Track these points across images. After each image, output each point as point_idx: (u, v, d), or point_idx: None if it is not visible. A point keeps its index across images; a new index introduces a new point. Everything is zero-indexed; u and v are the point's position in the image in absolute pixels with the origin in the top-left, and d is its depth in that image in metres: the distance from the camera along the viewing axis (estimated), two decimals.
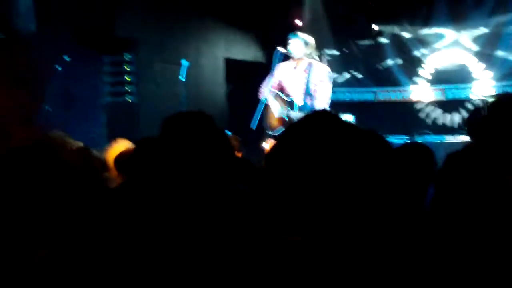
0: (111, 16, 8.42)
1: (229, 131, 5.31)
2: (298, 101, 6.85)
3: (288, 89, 6.97)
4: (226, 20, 10.36)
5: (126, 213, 2.02)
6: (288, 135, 1.60)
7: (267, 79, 7.13)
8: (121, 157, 4.10)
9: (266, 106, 6.94)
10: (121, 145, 4.46)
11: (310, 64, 6.91)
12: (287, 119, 6.81)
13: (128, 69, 8.61)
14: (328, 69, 7.08)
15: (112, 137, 5.85)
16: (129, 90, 8.59)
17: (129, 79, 8.62)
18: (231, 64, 10.56)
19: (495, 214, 1.99)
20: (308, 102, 6.80)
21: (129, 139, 4.73)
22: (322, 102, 6.72)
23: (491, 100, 3.29)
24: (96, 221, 2.00)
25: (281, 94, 7.02)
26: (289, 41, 6.94)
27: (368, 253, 1.54)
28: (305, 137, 1.56)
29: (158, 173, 1.91)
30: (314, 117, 1.62)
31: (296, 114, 6.71)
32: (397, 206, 1.86)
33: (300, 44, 6.90)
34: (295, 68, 6.97)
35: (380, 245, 1.60)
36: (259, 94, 7.09)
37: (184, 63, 7.18)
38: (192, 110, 2.20)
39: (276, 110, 6.96)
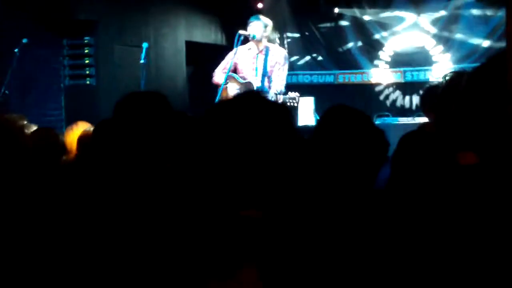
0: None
1: (190, 113, 5.32)
2: (256, 82, 6.91)
3: (244, 71, 7.04)
4: (187, 3, 10.31)
5: (79, 192, 2.04)
6: (216, 113, 1.64)
7: (221, 63, 7.19)
8: (83, 139, 4.10)
9: (223, 89, 6.93)
10: (81, 128, 4.46)
11: (267, 47, 7.01)
12: None
13: (88, 52, 8.53)
14: (285, 52, 7.20)
15: (71, 120, 5.82)
16: (89, 73, 8.51)
17: (89, 62, 8.54)
18: (192, 47, 10.52)
19: (445, 193, 2.03)
20: (266, 84, 6.89)
21: (89, 122, 4.73)
22: (279, 83, 6.83)
23: (444, 78, 3.34)
24: (49, 203, 2.01)
25: (236, 76, 7.07)
26: (250, 24, 7.00)
27: (320, 228, 1.58)
28: (232, 116, 1.60)
29: (111, 154, 1.92)
30: (243, 97, 1.66)
31: None
32: (347, 184, 1.91)
33: (260, 26, 6.96)
34: (250, 49, 7.05)
35: (332, 220, 1.64)
36: (213, 78, 7.17)
37: (145, 45, 7.15)
38: (145, 91, 2.21)
39: (232, 92, 6.97)
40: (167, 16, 10.03)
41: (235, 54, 6.95)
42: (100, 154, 2.06)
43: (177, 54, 10.27)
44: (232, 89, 7.00)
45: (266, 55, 6.92)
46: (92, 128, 4.20)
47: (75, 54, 8.57)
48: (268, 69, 6.89)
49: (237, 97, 1.68)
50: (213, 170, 1.57)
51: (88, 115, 6.55)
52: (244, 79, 7.00)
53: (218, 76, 7.10)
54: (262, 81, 6.91)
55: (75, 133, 4.41)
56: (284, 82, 6.92)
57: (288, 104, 6.42)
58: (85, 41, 8.53)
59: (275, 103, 1.71)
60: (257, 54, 7.01)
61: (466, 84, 1.91)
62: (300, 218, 1.57)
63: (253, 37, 6.91)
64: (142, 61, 7.10)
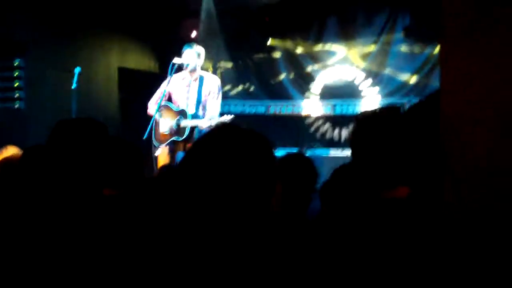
0: (1, 19, 8.18)
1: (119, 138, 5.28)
2: (190, 109, 6.95)
3: (179, 100, 7.07)
4: (121, 29, 10.25)
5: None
6: (199, 144, 1.68)
7: (155, 94, 7.21)
8: (8, 163, 4.00)
9: (155, 120, 6.99)
10: (9, 151, 4.36)
11: (201, 76, 7.06)
12: (175, 128, 6.91)
13: (18, 74, 8.38)
14: (219, 81, 7.20)
15: None
16: (18, 96, 8.36)
17: (18, 85, 8.39)
18: (125, 73, 10.47)
19: (370, 227, 2.08)
20: (200, 112, 6.95)
21: (17, 146, 4.63)
22: (213, 112, 6.90)
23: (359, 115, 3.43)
24: None
25: (170, 105, 7.10)
26: (183, 52, 7.01)
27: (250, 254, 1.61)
28: (212, 146, 1.65)
29: (42, 180, 1.90)
30: (221, 128, 1.71)
31: (187, 122, 6.83)
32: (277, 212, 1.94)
33: (193, 55, 6.99)
34: (184, 78, 7.09)
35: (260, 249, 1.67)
36: (148, 110, 7.18)
37: (77, 70, 7.06)
38: (81, 117, 2.20)
39: (164, 125, 7.04)
40: (100, 41, 9.97)
41: (168, 83, 7.00)
42: (27, 178, 2.03)
43: (109, 80, 10.20)
44: (166, 118, 7.05)
45: (200, 83, 6.97)
46: (18, 152, 4.12)
47: (3, 76, 8.41)
48: (202, 98, 6.94)
49: (215, 129, 1.72)
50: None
51: (15, 139, 6.43)
52: (177, 106, 7.03)
53: (151, 107, 7.12)
54: (197, 109, 6.96)
55: (1, 155, 4.30)
56: (218, 110, 6.98)
57: None
58: (15, 63, 8.38)
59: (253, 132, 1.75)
60: (191, 82, 7.05)
61: (401, 119, 1.98)
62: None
63: (187, 65, 6.94)
64: (74, 86, 7.00)
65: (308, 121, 11.31)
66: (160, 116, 7.05)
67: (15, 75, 8.38)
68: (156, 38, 10.78)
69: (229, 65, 11.44)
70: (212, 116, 6.79)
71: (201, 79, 7.02)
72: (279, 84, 11.46)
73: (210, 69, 11.42)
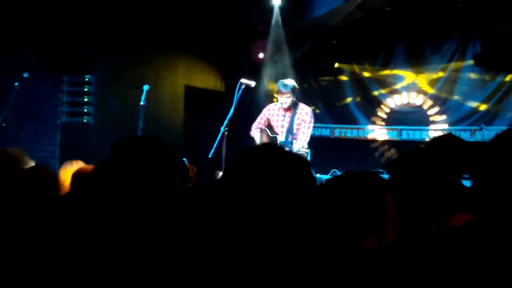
0: (73, 36, 8.36)
1: (185, 158, 5.32)
2: (280, 137, 7.40)
3: (274, 127, 7.56)
4: (188, 48, 10.36)
5: (73, 227, 2.02)
6: (234, 165, 1.67)
7: (257, 118, 7.76)
8: (78, 176, 4.06)
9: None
10: (75, 166, 4.42)
11: (295, 105, 7.41)
12: None
13: (87, 90, 8.55)
14: (310, 110, 7.51)
15: (65, 157, 5.79)
16: (87, 111, 8.52)
17: (88, 100, 8.56)
18: (191, 92, 10.57)
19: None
20: (290, 139, 7.28)
21: (83, 160, 4.70)
22: (302, 139, 7.27)
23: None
24: (43, 234, 2.00)
25: (268, 130, 7.58)
26: (281, 92, 7.32)
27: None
28: (248, 167, 1.62)
29: (109, 193, 1.91)
30: (259, 149, 1.69)
31: None
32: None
33: (290, 94, 7.29)
34: (281, 108, 7.46)
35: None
36: (250, 131, 7.76)
37: (145, 88, 7.16)
38: (144, 135, 2.22)
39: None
40: (167, 60, 10.10)
41: (266, 110, 7.69)
42: (98, 192, 2.05)
43: (176, 97, 10.31)
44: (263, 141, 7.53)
45: (294, 112, 7.39)
46: (86, 166, 4.18)
47: (74, 91, 8.59)
48: (294, 126, 7.34)
49: (255, 149, 1.70)
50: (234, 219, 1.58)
51: (82, 153, 6.54)
52: (273, 133, 7.57)
53: (253, 131, 7.76)
54: (286, 137, 7.33)
55: (69, 170, 4.37)
56: (307, 139, 7.32)
57: None
58: (85, 79, 8.56)
59: (293, 154, 1.73)
60: (285, 111, 7.43)
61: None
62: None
63: (282, 105, 7.37)
64: (142, 103, 7.09)
65: (373, 145, 11.21)
66: (257, 139, 7.61)
67: (84, 90, 8.54)
68: (223, 57, 10.87)
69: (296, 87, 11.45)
70: (300, 146, 7.14)
71: (294, 108, 7.41)
72: (345, 107, 11.42)
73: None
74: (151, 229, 1.88)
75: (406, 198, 2.18)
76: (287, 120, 7.41)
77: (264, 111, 7.70)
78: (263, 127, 7.63)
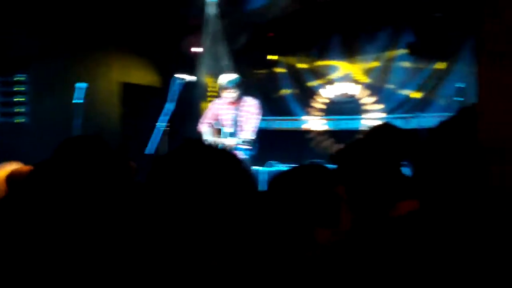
0: (7, 35, 8.17)
1: (123, 155, 5.26)
2: (228, 130, 7.63)
3: (221, 120, 7.78)
4: (123, 44, 10.24)
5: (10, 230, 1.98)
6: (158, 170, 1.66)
7: (204, 114, 8.05)
8: (14, 177, 3.95)
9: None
10: (12, 166, 4.32)
11: (241, 98, 7.67)
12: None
13: (22, 90, 8.38)
14: (257, 102, 7.77)
15: (0, 158, 5.65)
16: (21, 111, 8.35)
17: (21, 100, 8.38)
18: (127, 88, 10.46)
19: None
20: (237, 130, 7.59)
21: (20, 161, 4.59)
22: (249, 131, 7.52)
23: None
24: None
25: (215, 124, 7.83)
26: (226, 88, 7.57)
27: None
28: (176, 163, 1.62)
29: (49, 195, 1.88)
30: (186, 145, 1.68)
31: (225, 141, 7.50)
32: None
33: (234, 88, 7.57)
34: (227, 102, 7.69)
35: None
36: (197, 127, 7.94)
37: (80, 85, 7.05)
38: (87, 134, 2.17)
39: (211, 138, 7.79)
40: (102, 57, 9.96)
41: (213, 104, 7.97)
42: (37, 193, 2.01)
43: (112, 94, 10.18)
44: (207, 137, 7.80)
45: (239, 105, 7.65)
46: (21, 167, 4.08)
47: (8, 91, 8.41)
48: (241, 118, 7.61)
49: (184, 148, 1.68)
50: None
51: (17, 153, 6.39)
52: (221, 126, 7.79)
53: (201, 126, 7.96)
54: (235, 128, 7.60)
55: (3, 171, 4.26)
56: (255, 130, 7.58)
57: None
58: (20, 79, 8.39)
59: (220, 149, 1.72)
60: (232, 104, 7.66)
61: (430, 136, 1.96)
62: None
63: (229, 99, 7.63)
64: (78, 101, 6.99)
65: (310, 136, 11.29)
66: (205, 134, 7.81)
67: (19, 89, 8.37)
68: (158, 52, 10.77)
69: None
70: (245, 137, 7.38)
71: (240, 101, 7.68)
72: (281, 99, 11.47)
73: (212, 83, 11.43)
74: (93, 229, 1.86)
75: (352, 189, 2.20)
76: (233, 113, 7.60)
77: (210, 105, 7.97)
78: (211, 121, 7.81)
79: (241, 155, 7.40)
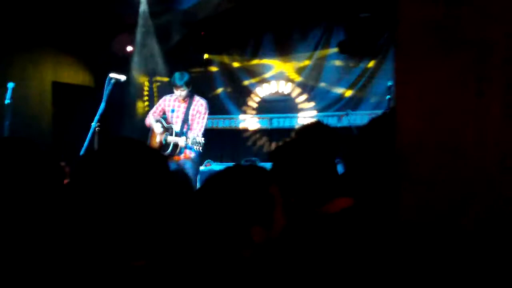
0: None
1: (55, 155, 5.19)
2: (176, 127, 7.64)
3: (169, 117, 7.78)
4: (55, 44, 10.08)
5: None
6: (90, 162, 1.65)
7: (153, 107, 8.05)
8: None
9: (152, 132, 7.75)
10: None
11: (190, 97, 7.73)
12: (164, 143, 7.63)
13: None
14: (205, 102, 7.81)
15: None
16: None
17: None
18: (59, 88, 10.29)
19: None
20: (185, 129, 7.61)
21: None
22: (197, 129, 7.56)
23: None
24: None
25: (162, 120, 7.80)
26: (179, 87, 7.56)
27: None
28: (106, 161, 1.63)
29: None
30: (115, 142, 1.68)
31: (172, 139, 7.56)
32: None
33: (184, 86, 7.57)
34: (177, 99, 7.75)
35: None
36: (145, 120, 8.02)
37: (10, 85, 6.89)
38: (15, 137, 2.14)
39: (157, 138, 7.75)
40: (33, 56, 9.77)
41: (162, 100, 7.93)
42: None
43: (43, 95, 10.01)
44: (158, 132, 7.75)
45: (189, 104, 7.70)
46: None
47: None
48: (189, 117, 7.65)
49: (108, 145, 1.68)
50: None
51: None
52: (168, 123, 7.78)
53: (149, 119, 7.98)
54: (182, 127, 7.65)
55: None
56: (202, 129, 7.60)
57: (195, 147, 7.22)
58: None
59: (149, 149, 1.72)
60: (181, 102, 7.74)
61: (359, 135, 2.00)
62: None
63: (179, 96, 7.65)
64: (7, 101, 6.84)
65: (245, 134, 11.33)
66: (156, 128, 7.75)
67: None
68: (91, 52, 10.64)
69: (165, 79, 11.38)
70: (194, 136, 7.28)
71: (189, 100, 7.71)
72: (216, 98, 11.46)
73: (146, 83, 11.35)
74: (21, 231, 1.84)
75: (287, 187, 2.23)
76: (182, 111, 7.68)
77: (160, 101, 7.96)
78: (159, 117, 7.85)
79: (190, 154, 7.47)
